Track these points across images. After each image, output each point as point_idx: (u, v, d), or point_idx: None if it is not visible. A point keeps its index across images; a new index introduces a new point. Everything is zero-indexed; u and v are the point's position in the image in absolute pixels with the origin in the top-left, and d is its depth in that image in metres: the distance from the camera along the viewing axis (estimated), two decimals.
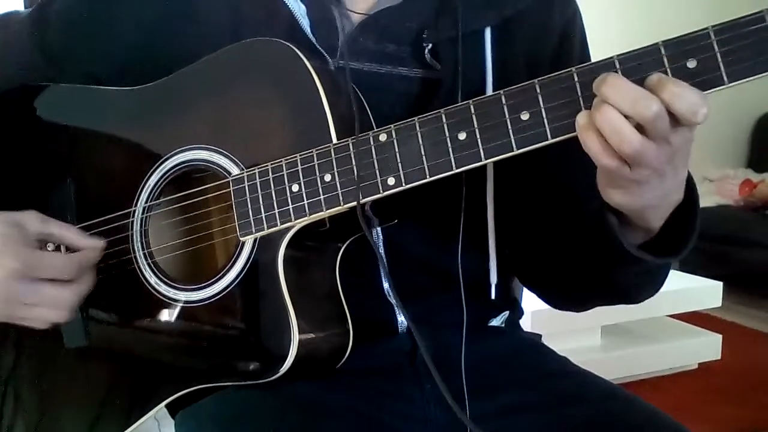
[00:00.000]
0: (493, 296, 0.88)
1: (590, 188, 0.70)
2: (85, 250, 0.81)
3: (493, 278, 0.87)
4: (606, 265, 0.77)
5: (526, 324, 1.02)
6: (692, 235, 0.73)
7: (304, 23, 0.83)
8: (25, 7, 1.00)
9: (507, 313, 0.96)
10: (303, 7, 0.84)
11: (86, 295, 0.81)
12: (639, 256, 0.72)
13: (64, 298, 0.78)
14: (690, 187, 0.71)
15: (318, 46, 0.82)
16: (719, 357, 2.61)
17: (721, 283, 2.53)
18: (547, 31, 0.88)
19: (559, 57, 0.87)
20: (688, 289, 2.52)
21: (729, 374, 2.61)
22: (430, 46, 0.84)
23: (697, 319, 2.75)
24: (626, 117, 0.60)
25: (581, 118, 0.62)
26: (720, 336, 2.62)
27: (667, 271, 0.80)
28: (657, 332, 2.61)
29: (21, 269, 0.74)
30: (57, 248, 0.82)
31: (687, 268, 2.76)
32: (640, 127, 0.60)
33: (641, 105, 0.59)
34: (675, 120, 0.60)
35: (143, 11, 0.88)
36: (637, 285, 0.81)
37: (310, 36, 0.82)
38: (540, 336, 1.02)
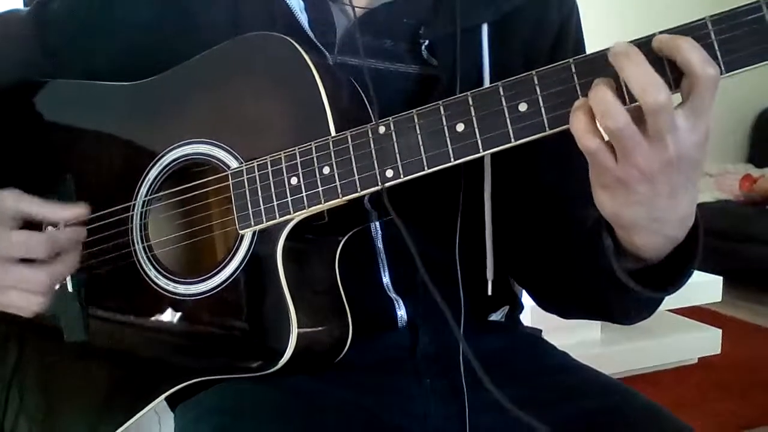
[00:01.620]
0: (490, 293, 0.88)
1: (581, 193, 0.69)
2: (64, 229, 0.78)
3: (490, 275, 0.87)
4: (592, 284, 0.76)
5: (526, 319, 1.02)
6: (681, 279, 0.71)
7: (302, 19, 0.83)
8: (25, 5, 1.00)
9: (507, 307, 0.96)
10: (301, 2, 0.84)
11: (64, 279, 0.78)
12: (627, 283, 0.71)
13: (37, 280, 0.75)
14: (696, 234, 0.70)
15: (316, 42, 0.82)
16: (719, 351, 2.61)
17: (721, 278, 2.53)
18: (544, 27, 0.88)
19: (556, 53, 0.87)
20: (688, 284, 2.44)
21: (729, 369, 2.61)
22: (427, 42, 0.84)
23: (697, 313, 2.75)
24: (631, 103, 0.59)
25: (576, 103, 0.62)
26: (720, 330, 2.63)
27: (658, 304, 0.79)
28: (657, 327, 2.60)
29: None
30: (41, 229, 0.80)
31: None
32: (641, 123, 0.60)
33: (651, 90, 0.58)
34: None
35: (142, 7, 0.88)
36: (623, 310, 0.80)
37: (308, 32, 0.82)
38: (540, 331, 1.02)
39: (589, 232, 0.73)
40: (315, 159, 0.73)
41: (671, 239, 0.69)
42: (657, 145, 0.60)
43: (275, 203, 0.74)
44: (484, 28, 0.84)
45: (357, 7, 0.85)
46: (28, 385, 0.90)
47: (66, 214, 0.78)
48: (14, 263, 0.75)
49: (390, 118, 0.71)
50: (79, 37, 0.90)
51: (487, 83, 0.83)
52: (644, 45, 0.61)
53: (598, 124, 0.61)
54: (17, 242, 0.74)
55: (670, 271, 0.71)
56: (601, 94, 0.60)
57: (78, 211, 0.79)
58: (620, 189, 0.64)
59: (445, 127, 0.68)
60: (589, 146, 0.62)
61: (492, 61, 0.84)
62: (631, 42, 0.61)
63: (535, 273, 0.91)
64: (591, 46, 0.89)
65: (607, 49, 0.62)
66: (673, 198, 0.64)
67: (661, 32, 0.61)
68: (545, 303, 0.93)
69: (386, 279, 0.86)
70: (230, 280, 0.76)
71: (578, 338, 2.37)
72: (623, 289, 0.71)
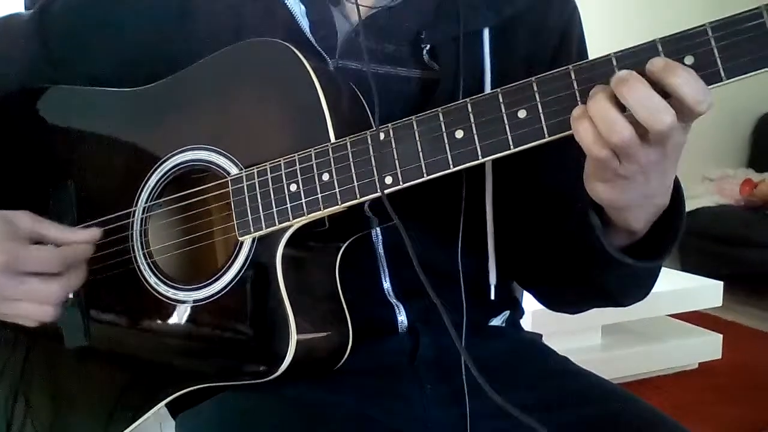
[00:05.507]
0: (492, 297, 0.88)
1: (578, 189, 0.70)
2: (74, 244, 0.80)
3: (492, 279, 0.87)
4: (588, 266, 0.77)
5: (526, 324, 1.02)
6: (673, 242, 0.73)
7: (304, 24, 0.83)
8: (26, 9, 1.00)
9: (507, 312, 0.96)
10: (303, 7, 0.84)
11: (74, 291, 0.79)
12: (619, 258, 0.72)
13: (49, 292, 0.76)
14: (677, 193, 0.71)
15: (317, 46, 0.82)
16: (720, 356, 2.61)
17: (721, 283, 2.53)
18: (545, 32, 0.88)
19: (558, 57, 0.87)
20: (689, 289, 2.53)
21: (729, 374, 2.61)
22: (429, 46, 0.84)
23: (698, 318, 2.75)
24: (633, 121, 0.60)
25: (576, 111, 0.62)
26: (720, 335, 2.62)
27: (654, 276, 0.80)
28: (658, 332, 2.60)
29: (5, 262, 0.73)
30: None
31: (687, 267, 2.76)
32: (642, 130, 0.60)
33: (657, 117, 0.59)
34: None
35: (143, 13, 0.88)
36: (622, 289, 0.81)
37: (310, 36, 0.82)
38: (541, 336, 1.02)
39: (577, 213, 0.74)
40: (314, 165, 0.73)
41: (660, 207, 0.71)
42: (657, 145, 0.62)
43: (274, 210, 0.74)
44: (486, 32, 0.85)
45: (361, 5, 0.85)
46: (33, 392, 0.90)
47: (79, 237, 0.81)
48: (28, 276, 0.76)
49: (389, 125, 0.71)
50: (80, 41, 0.90)
51: (488, 87, 0.84)
52: (643, 51, 0.61)
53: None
54: (35, 257, 0.76)
55: (659, 240, 0.73)
56: (603, 110, 0.60)
57: (91, 234, 0.81)
58: (619, 181, 0.65)
59: (444, 134, 0.68)
60: (599, 156, 0.62)
61: (493, 65, 0.84)
62: (630, 48, 0.62)
63: (537, 271, 0.90)
64: (592, 49, 0.89)
65: (607, 55, 0.62)
66: (664, 176, 0.67)
67: (661, 38, 0.61)
68: (548, 298, 0.93)
69: (387, 284, 0.86)
70: (230, 286, 0.76)
71: (579, 343, 2.38)
72: (617, 265, 0.73)
